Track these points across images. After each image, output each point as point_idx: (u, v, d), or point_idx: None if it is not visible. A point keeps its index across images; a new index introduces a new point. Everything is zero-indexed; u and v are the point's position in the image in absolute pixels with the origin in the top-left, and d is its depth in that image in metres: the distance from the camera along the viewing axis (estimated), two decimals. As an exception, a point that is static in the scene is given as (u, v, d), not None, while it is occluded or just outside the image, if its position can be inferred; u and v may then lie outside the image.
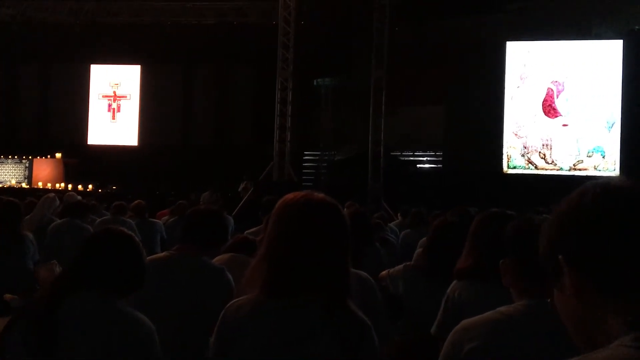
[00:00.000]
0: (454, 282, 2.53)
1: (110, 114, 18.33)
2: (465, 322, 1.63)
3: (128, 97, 18.23)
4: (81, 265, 2.04)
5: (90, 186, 15.46)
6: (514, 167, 14.81)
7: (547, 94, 14.58)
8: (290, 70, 14.38)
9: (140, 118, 18.08)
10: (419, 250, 4.00)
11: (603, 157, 14.33)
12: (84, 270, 2.02)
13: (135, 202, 7.35)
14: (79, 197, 7.95)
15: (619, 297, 0.86)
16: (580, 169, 14.32)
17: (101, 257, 2.04)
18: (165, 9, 16.63)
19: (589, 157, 14.38)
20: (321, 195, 1.68)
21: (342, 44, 16.53)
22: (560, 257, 0.91)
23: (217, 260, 3.12)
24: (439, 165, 17.20)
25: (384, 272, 3.14)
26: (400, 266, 3.24)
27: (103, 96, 18.31)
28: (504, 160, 14.85)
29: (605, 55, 14.36)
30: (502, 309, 1.62)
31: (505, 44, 14.83)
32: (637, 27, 14.89)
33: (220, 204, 10.96)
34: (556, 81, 14.54)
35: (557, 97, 14.52)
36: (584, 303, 0.90)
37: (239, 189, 14.27)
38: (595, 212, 0.89)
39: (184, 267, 2.64)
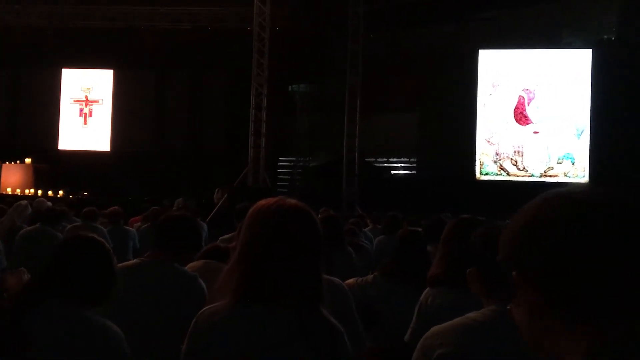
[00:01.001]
0: (427, 289, 2.55)
1: (81, 118, 18.07)
2: (434, 328, 1.63)
3: (100, 102, 18.01)
4: (50, 273, 2.00)
5: (60, 192, 15.20)
6: (487, 174, 15.00)
7: (518, 102, 14.81)
8: (265, 76, 14.37)
9: (113, 123, 17.86)
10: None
11: (573, 164, 14.60)
12: (52, 278, 1.98)
13: (111, 208, 7.24)
14: (49, 203, 7.82)
15: (575, 323, 0.80)
16: (550, 176, 14.57)
17: (71, 264, 2.00)
18: (139, 14, 16.49)
19: (559, 163, 14.65)
20: (294, 201, 1.68)
21: (317, 50, 16.59)
22: (514, 273, 0.85)
23: (190, 267, 3.09)
24: (413, 172, 17.34)
25: (350, 281, 3.14)
26: (370, 275, 3.26)
27: (75, 101, 18.04)
28: (476, 166, 15.03)
29: (574, 64, 14.66)
30: (471, 314, 1.63)
31: (477, 52, 15.04)
32: (605, 37, 15.25)
33: (194, 210, 10.87)
34: (527, 89, 14.79)
35: (528, 105, 14.77)
36: (538, 322, 0.84)
37: (215, 199, 14.15)
38: (549, 226, 0.82)
39: (156, 274, 2.60)
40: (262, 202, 1.67)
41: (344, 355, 1.63)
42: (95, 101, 18.01)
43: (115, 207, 7.30)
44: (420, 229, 3.73)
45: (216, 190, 14.26)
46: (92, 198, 13.70)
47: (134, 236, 6.97)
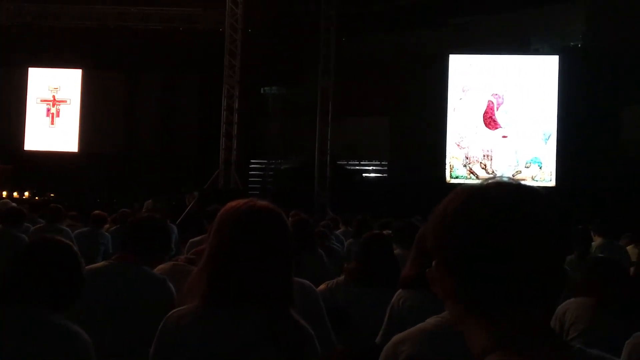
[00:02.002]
0: (399, 291, 2.57)
1: (48, 118, 17.73)
2: (396, 336, 1.66)
3: (68, 102, 17.69)
4: (14, 276, 1.96)
5: (26, 193, 14.89)
6: (457, 177, 15.17)
7: (487, 106, 15.03)
8: (237, 78, 14.32)
9: (81, 124, 17.56)
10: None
11: (540, 168, 14.87)
12: (16, 282, 1.93)
13: (96, 212, 7.18)
14: (14, 204, 7.64)
15: (478, 312, 0.83)
16: (518, 179, 14.78)
17: (36, 268, 1.96)
18: (109, 13, 16.27)
19: (527, 167, 14.90)
20: (264, 202, 1.66)
21: (290, 52, 16.58)
22: (433, 263, 0.89)
23: (159, 269, 3.06)
24: (384, 175, 17.46)
25: (322, 286, 3.16)
26: (341, 277, 3.28)
27: (41, 100, 17.69)
28: (446, 170, 15.20)
29: (542, 70, 14.94)
30: (432, 319, 1.66)
31: (448, 56, 15.22)
32: (572, 44, 15.58)
33: (164, 212, 10.75)
34: (496, 94, 15.01)
35: (497, 110, 14.99)
36: (455, 310, 0.87)
37: (187, 203, 13.97)
38: (457, 217, 0.85)
39: (124, 276, 2.57)
40: (232, 203, 1.66)
41: (314, 358, 1.63)
42: (62, 101, 17.69)
43: (99, 211, 7.25)
44: (385, 232, 3.77)
45: (186, 195, 14.11)
46: (58, 199, 13.45)
47: (108, 241, 6.87)
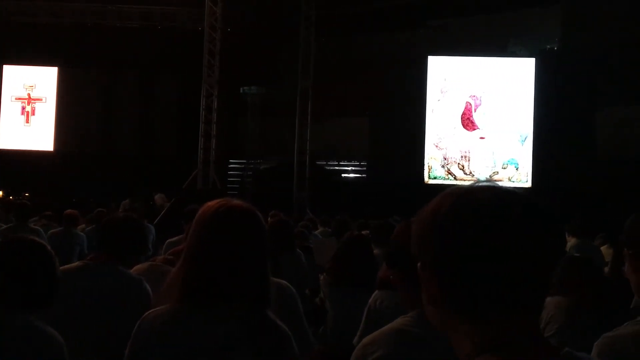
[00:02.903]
0: (376, 291, 2.58)
1: (23, 117, 17.45)
2: (366, 338, 1.66)
3: (44, 100, 17.43)
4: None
5: (0, 192, 14.64)
6: (435, 178, 15.28)
7: (465, 108, 15.16)
8: (216, 77, 14.25)
9: (57, 122, 17.32)
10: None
11: (517, 169, 15.05)
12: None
13: (68, 211, 7.01)
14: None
15: (464, 314, 0.84)
16: (495, 180, 14.93)
17: (8, 268, 1.93)
18: (86, 11, 16.08)
19: (504, 168, 15.07)
20: (239, 202, 1.66)
21: (269, 52, 16.55)
22: (418, 266, 0.89)
23: (136, 269, 3.03)
24: (363, 175, 17.51)
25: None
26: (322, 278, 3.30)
27: (16, 98, 17.41)
28: (425, 170, 15.29)
29: (519, 72, 15.12)
30: (399, 320, 1.67)
31: (426, 58, 15.32)
32: (548, 47, 15.80)
33: (142, 212, 10.66)
34: (474, 95, 15.15)
35: (475, 111, 15.14)
36: (439, 315, 0.87)
37: (156, 204, 13.85)
38: (443, 222, 0.85)
39: (99, 277, 2.54)
40: (209, 203, 1.65)
41: (291, 359, 1.62)
42: (38, 99, 17.43)
43: (72, 210, 7.10)
44: (364, 232, 3.80)
45: (155, 195, 13.99)
46: (33, 199, 13.25)
47: (83, 241, 6.77)
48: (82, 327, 2.41)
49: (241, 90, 18.09)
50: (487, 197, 0.85)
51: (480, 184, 0.89)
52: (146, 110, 17.79)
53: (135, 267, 3.08)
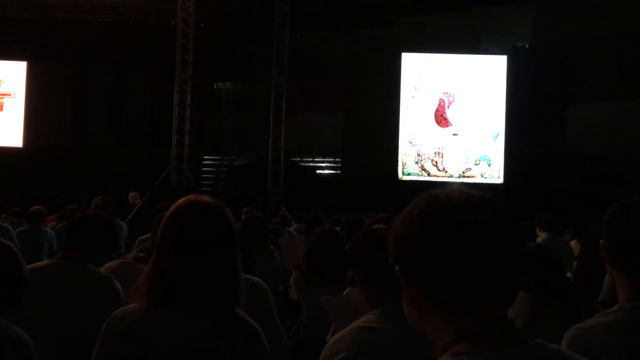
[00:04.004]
0: (348, 288, 2.59)
1: (-9, 112, 17.08)
2: (332, 338, 1.70)
3: (12, 95, 17.06)
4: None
5: (-33, 190, 14.30)
6: (409, 174, 15.39)
7: (439, 105, 15.29)
8: (190, 73, 14.12)
9: (26, 118, 16.98)
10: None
11: (489, 165, 15.24)
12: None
13: (34, 208, 6.87)
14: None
15: (443, 309, 0.90)
16: (468, 176, 15.13)
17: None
18: (56, 4, 15.78)
19: (477, 165, 15.24)
20: (206, 198, 1.65)
21: (243, 48, 16.46)
22: (397, 268, 0.95)
23: (106, 267, 3.00)
24: (337, 171, 17.54)
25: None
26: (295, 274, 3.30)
27: (-16, 93, 17.03)
28: (399, 167, 15.39)
29: (491, 69, 15.30)
30: (363, 317, 1.71)
31: (400, 55, 15.40)
32: (520, 45, 16.01)
33: (114, 209, 10.53)
34: (447, 92, 15.29)
35: (448, 108, 15.27)
36: (420, 314, 0.94)
37: (129, 202, 13.68)
38: (420, 224, 0.92)
39: (68, 275, 2.50)
40: (179, 201, 1.64)
41: (261, 356, 1.62)
42: (6, 94, 17.05)
43: (39, 207, 6.95)
44: (337, 228, 3.81)
45: (130, 193, 13.84)
46: (2, 196, 12.99)
47: (52, 238, 6.66)
48: (50, 326, 2.38)
49: (215, 86, 17.96)
50: (460, 200, 0.93)
51: (453, 188, 0.96)
52: (118, 106, 17.55)
53: (106, 265, 3.05)
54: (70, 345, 2.45)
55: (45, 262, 2.72)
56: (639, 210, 1.49)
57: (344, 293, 2.62)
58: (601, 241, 1.53)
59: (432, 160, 15.35)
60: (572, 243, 6.76)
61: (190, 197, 1.65)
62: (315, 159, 17.67)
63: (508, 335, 0.90)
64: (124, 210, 11.76)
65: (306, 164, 17.63)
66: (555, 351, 0.92)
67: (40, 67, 16.94)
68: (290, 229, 7.75)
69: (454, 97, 15.28)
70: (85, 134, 17.45)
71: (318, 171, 17.74)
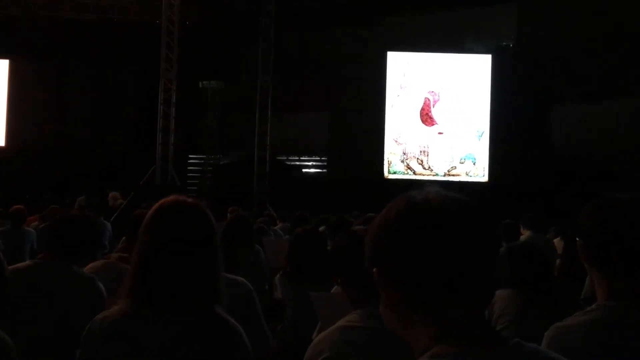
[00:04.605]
0: (335, 286, 2.59)
1: (-28, 111, 16.86)
2: (315, 338, 1.73)
3: (-6, 94, 16.88)
4: None
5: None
6: (394, 173, 15.43)
7: (424, 103, 15.35)
8: (175, 72, 14.04)
9: (8, 116, 16.78)
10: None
11: (474, 164, 15.33)
12: None
13: (15, 207, 6.77)
14: None
15: (422, 310, 0.90)
16: (453, 175, 15.22)
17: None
18: (39, 1, 15.60)
19: (462, 163, 15.33)
20: (187, 198, 1.65)
21: (229, 47, 16.41)
22: (374, 270, 0.95)
23: (90, 267, 2.97)
24: (323, 170, 17.55)
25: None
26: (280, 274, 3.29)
27: (-35, 92, 16.81)
28: (384, 165, 15.43)
29: (476, 69, 15.39)
30: (346, 317, 1.73)
31: (386, 54, 15.44)
32: (504, 44, 16.12)
33: (98, 208, 10.45)
34: (432, 91, 15.35)
35: (434, 107, 15.34)
36: (398, 316, 0.94)
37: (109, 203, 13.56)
38: (397, 226, 0.92)
39: (50, 276, 2.47)
40: (160, 201, 1.64)
41: (243, 355, 1.62)
42: (-12, 93, 16.85)
43: (19, 206, 6.85)
44: (322, 229, 3.81)
45: (109, 193, 13.72)
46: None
47: (34, 238, 6.58)
48: (32, 327, 2.35)
49: (200, 85, 17.88)
50: (438, 202, 0.93)
51: (429, 189, 0.96)
52: (102, 104, 17.41)
53: (90, 265, 3.02)
54: (52, 346, 2.42)
55: (27, 262, 2.68)
56: (611, 209, 1.49)
57: (332, 291, 2.62)
58: (578, 241, 1.54)
59: (417, 158, 15.41)
60: (556, 241, 6.82)
61: (171, 197, 1.64)
62: (301, 158, 17.66)
63: (486, 334, 0.90)
64: (108, 210, 11.67)
65: (292, 163, 17.62)
66: (532, 350, 0.92)
67: (22, 66, 16.76)
68: (276, 228, 7.74)
69: (439, 96, 15.34)
70: (69, 133, 17.28)
71: (304, 170, 17.73)
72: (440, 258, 0.89)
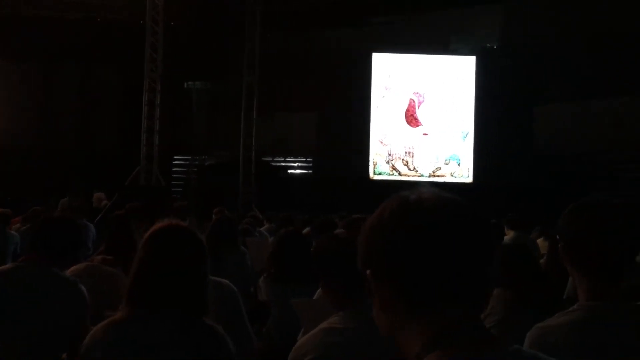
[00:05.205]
0: (319, 290, 2.59)
1: (-46, 111, 16.64)
2: (301, 340, 1.77)
3: (-24, 94, 16.67)
4: None
5: None
6: (380, 174, 15.48)
7: (409, 104, 15.41)
8: (159, 72, 13.94)
9: (-9, 117, 16.60)
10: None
11: (458, 165, 15.42)
12: None
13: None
14: None
15: (416, 311, 0.90)
16: (438, 176, 15.30)
17: None
18: (22, 0, 15.43)
19: (446, 164, 15.41)
20: (182, 225, 1.85)
21: (214, 47, 16.35)
22: (367, 271, 0.93)
23: (72, 270, 2.95)
24: (309, 171, 17.55)
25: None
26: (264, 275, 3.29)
27: (-54, 92, 16.58)
28: (370, 166, 15.47)
29: (460, 70, 15.48)
30: (329, 319, 1.75)
31: (371, 55, 15.48)
32: (488, 45, 16.24)
33: (82, 210, 10.36)
34: (418, 92, 15.42)
35: (419, 108, 15.41)
36: (391, 318, 0.92)
37: (93, 204, 13.45)
38: (391, 227, 0.91)
39: (31, 278, 2.45)
40: (156, 225, 1.85)
41: (225, 356, 1.74)
42: (-30, 93, 16.64)
43: (6, 210, 6.77)
44: (307, 231, 3.81)
45: (94, 193, 13.62)
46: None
47: (17, 241, 6.50)
48: (14, 330, 2.33)
49: (185, 85, 17.80)
50: (433, 202, 0.93)
51: (422, 189, 0.95)
52: (86, 104, 17.27)
53: (73, 268, 3.00)
54: (35, 349, 2.40)
55: (8, 265, 2.66)
56: (590, 211, 1.51)
57: (315, 295, 2.62)
58: (559, 242, 1.55)
59: (402, 159, 15.47)
60: (540, 241, 6.87)
61: (166, 223, 1.84)
62: (287, 159, 17.64)
63: (484, 335, 0.90)
64: (92, 211, 11.57)
65: (278, 164, 17.60)
66: (530, 356, 0.92)
67: (5, 65, 16.57)
68: (262, 229, 7.72)
69: (424, 97, 15.42)
70: (52, 134, 17.12)
71: (290, 171, 17.72)
72: (437, 258, 0.88)
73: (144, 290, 1.72)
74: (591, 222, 1.49)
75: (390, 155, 15.50)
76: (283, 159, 17.64)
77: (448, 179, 15.14)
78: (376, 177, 15.45)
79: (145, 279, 1.73)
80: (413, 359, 0.89)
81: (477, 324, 0.91)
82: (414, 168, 15.40)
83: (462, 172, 15.35)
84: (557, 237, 1.58)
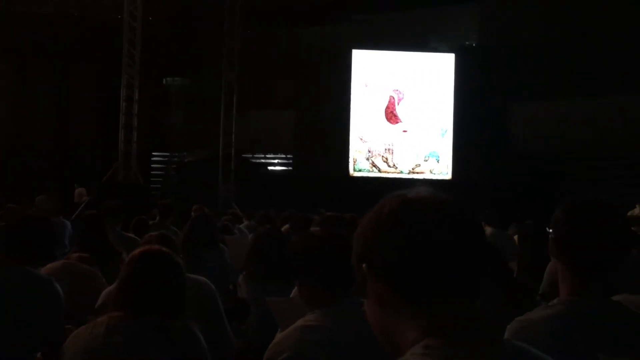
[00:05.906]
0: (295, 288, 2.60)
1: None
2: (277, 337, 1.80)
3: (-51, 91, 16.35)
4: None
5: None
6: (360, 170, 15.51)
7: (389, 101, 15.46)
8: (137, 68, 13.81)
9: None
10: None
11: (438, 162, 15.52)
12: None
13: None
14: None
15: (413, 305, 0.92)
16: (418, 172, 15.39)
17: None
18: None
19: (426, 161, 15.51)
20: (160, 249, 2.05)
21: (193, 43, 16.23)
22: (363, 265, 0.96)
23: (48, 268, 2.92)
24: (289, 168, 17.53)
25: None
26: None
27: None
28: (350, 163, 15.50)
29: (440, 67, 15.57)
30: (306, 317, 1.76)
31: (350, 52, 15.49)
32: (467, 43, 16.36)
33: (58, 207, 10.21)
34: (397, 89, 15.47)
35: (398, 105, 15.47)
36: (386, 311, 0.95)
37: (75, 199, 13.30)
38: (391, 223, 0.94)
39: (5, 278, 2.41)
40: (144, 248, 2.07)
41: (199, 355, 1.89)
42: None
43: None
44: (285, 228, 3.81)
45: (76, 189, 13.46)
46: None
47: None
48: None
49: (164, 82, 17.64)
50: (432, 201, 0.96)
51: (420, 189, 0.98)
52: (62, 101, 17.03)
53: (48, 266, 2.97)
54: (6, 348, 2.37)
55: (-20, 265, 2.61)
56: (590, 212, 1.54)
57: (291, 294, 2.62)
58: (550, 235, 1.58)
59: (382, 156, 15.52)
60: (516, 237, 6.95)
61: (147, 247, 2.07)
62: (267, 156, 17.60)
63: (478, 332, 0.92)
64: (69, 208, 11.42)
65: (257, 161, 17.55)
66: (522, 348, 0.95)
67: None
68: (241, 226, 7.70)
69: (403, 94, 15.48)
70: (28, 131, 16.86)
71: (269, 168, 17.68)
72: (433, 257, 0.90)
73: (128, 300, 1.91)
74: (583, 221, 1.53)
75: (370, 152, 15.54)
76: (263, 155, 17.59)
77: (427, 175, 15.23)
78: (356, 174, 15.48)
79: (129, 293, 1.93)
80: (409, 349, 0.90)
81: (472, 320, 0.93)
82: (394, 165, 15.47)
83: (441, 168, 15.46)
84: (549, 229, 1.60)
